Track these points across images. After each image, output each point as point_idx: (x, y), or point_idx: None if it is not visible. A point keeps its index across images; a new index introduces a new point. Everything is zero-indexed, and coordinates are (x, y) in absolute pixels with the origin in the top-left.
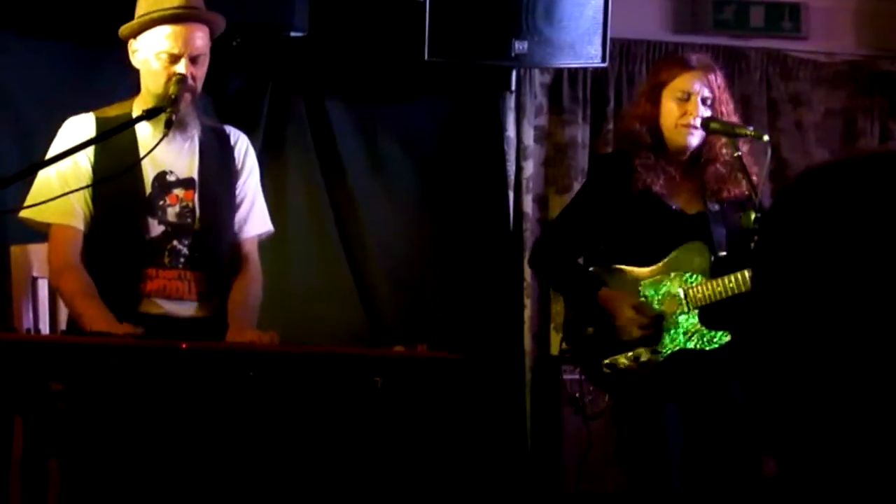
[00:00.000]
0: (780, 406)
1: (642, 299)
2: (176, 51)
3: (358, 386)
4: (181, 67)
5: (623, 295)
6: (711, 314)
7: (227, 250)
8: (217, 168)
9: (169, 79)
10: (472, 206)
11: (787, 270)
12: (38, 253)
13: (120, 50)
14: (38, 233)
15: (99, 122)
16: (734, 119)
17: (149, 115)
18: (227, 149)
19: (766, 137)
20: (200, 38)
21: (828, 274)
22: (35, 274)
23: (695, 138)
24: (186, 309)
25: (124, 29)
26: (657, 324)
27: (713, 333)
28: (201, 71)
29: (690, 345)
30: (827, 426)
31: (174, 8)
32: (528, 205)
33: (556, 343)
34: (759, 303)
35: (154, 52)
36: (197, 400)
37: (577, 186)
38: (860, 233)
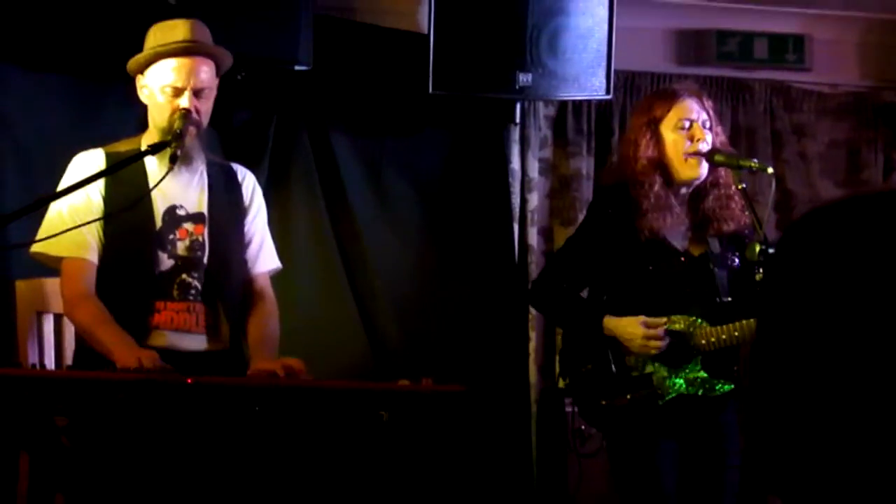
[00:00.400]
0: (788, 443)
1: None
2: (179, 84)
3: (364, 420)
4: (184, 101)
5: (628, 318)
6: (715, 362)
7: (237, 285)
8: (226, 204)
9: (173, 113)
10: (476, 239)
11: (794, 310)
12: (43, 288)
13: (124, 86)
14: (48, 268)
15: (109, 157)
16: (725, 140)
17: (154, 149)
18: (234, 185)
19: (770, 169)
20: (205, 73)
21: (835, 313)
22: (40, 309)
23: (704, 167)
24: (194, 342)
25: (132, 64)
26: (673, 336)
27: (715, 381)
28: (206, 105)
29: (692, 391)
30: (835, 464)
31: (179, 42)
32: (533, 237)
33: None
34: (766, 340)
35: (159, 86)
36: (203, 435)
37: (581, 218)
38: (866, 272)
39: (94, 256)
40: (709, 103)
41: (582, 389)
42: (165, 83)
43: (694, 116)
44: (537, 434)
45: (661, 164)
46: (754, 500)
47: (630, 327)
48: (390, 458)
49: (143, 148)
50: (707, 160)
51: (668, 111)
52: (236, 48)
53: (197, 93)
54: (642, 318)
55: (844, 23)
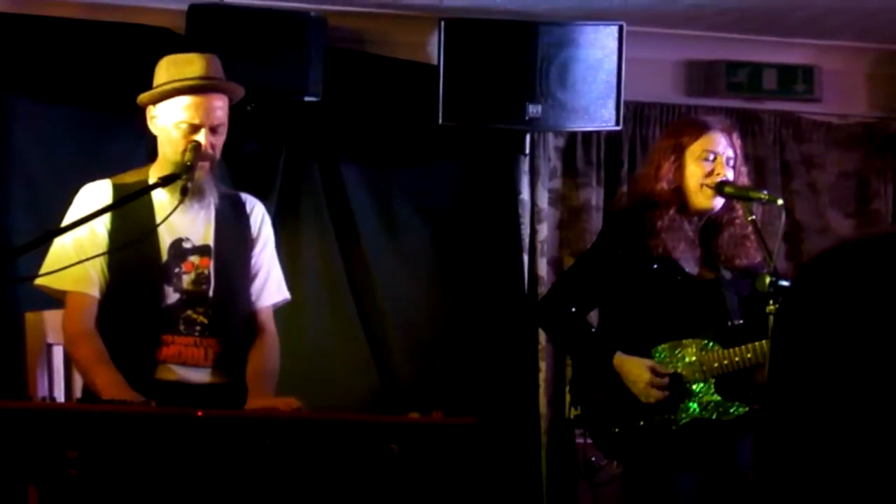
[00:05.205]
0: (798, 487)
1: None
2: (196, 121)
3: (374, 453)
4: (201, 138)
5: (638, 359)
6: (728, 385)
7: (244, 318)
8: (233, 236)
9: (186, 147)
10: (486, 270)
11: (808, 359)
12: (52, 320)
13: (133, 116)
14: (54, 299)
15: (116, 188)
16: (748, 182)
17: (164, 182)
18: (242, 216)
19: (780, 201)
20: (220, 108)
21: (849, 359)
22: (50, 341)
23: (719, 200)
24: (202, 376)
25: (144, 97)
26: (676, 383)
27: (729, 404)
28: (220, 140)
29: (706, 415)
30: None
31: (195, 78)
32: (543, 268)
33: None
34: (778, 385)
35: (173, 122)
36: (213, 468)
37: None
38: (882, 317)
39: (96, 291)
40: (738, 141)
41: (594, 418)
42: (181, 119)
43: (720, 150)
44: (547, 465)
45: (678, 190)
46: None
47: (637, 369)
48: (401, 492)
49: (152, 180)
50: (717, 192)
51: (696, 140)
52: (246, 79)
53: (213, 129)
54: (651, 362)
55: (854, 53)
